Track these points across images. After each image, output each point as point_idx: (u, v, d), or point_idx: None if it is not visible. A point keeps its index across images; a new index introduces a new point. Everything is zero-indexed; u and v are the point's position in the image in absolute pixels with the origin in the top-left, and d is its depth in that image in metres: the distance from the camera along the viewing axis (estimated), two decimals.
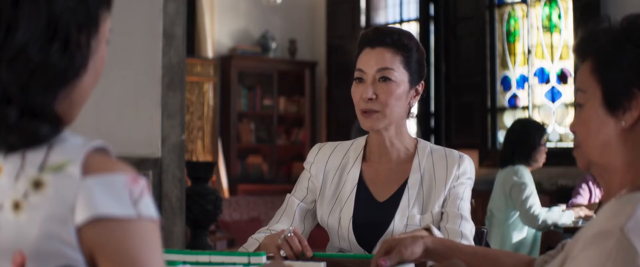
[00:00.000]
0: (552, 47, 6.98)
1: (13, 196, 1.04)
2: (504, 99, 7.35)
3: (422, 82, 2.20)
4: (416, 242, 1.74)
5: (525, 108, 7.16)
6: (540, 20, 7.06)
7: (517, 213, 4.43)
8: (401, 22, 8.23)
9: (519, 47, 7.24)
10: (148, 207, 1.05)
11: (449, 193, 2.17)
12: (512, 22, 7.30)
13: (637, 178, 1.34)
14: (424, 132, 7.68)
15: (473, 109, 7.47)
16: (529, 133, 4.49)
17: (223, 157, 8.26)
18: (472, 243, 2.17)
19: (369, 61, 2.15)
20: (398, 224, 2.13)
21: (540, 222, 4.31)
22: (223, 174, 8.18)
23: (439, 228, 2.13)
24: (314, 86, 8.77)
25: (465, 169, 2.19)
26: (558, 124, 6.94)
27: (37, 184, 1.04)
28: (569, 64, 6.85)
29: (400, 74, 2.14)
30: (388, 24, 8.28)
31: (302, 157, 8.18)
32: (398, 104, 2.15)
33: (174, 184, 3.75)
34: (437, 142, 7.56)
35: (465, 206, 2.18)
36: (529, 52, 7.13)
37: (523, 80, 7.21)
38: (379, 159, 2.23)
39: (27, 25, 1.08)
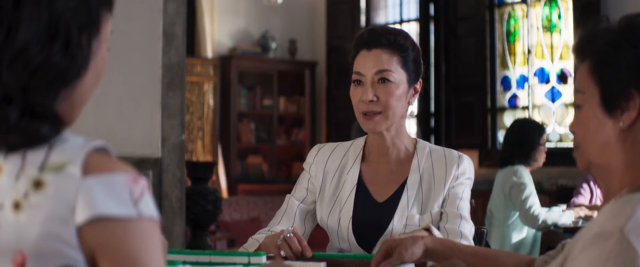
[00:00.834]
0: (552, 47, 6.98)
1: (13, 195, 1.04)
2: (504, 99, 7.35)
3: (420, 80, 2.21)
4: (416, 243, 1.74)
5: (525, 108, 7.16)
6: (540, 20, 7.06)
7: (517, 213, 4.43)
8: (401, 22, 8.23)
9: (519, 47, 7.24)
10: (148, 206, 1.05)
11: (448, 193, 2.17)
12: (512, 22, 7.30)
13: (636, 178, 1.34)
14: (424, 132, 7.68)
15: (473, 109, 7.47)
16: (528, 133, 4.48)
17: (222, 157, 8.26)
18: (472, 243, 2.17)
19: (367, 63, 2.14)
20: (397, 224, 2.13)
21: (540, 222, 4.30)
22: (222, 174, 8.18)
23: (438, 228, 2.13)
24: (314, 86, 8.77)
25: (464, 169, 2.19)
26: (558, 124, 6.94)
27: (38, 184, 1.04)
28: (569, 64, 6.85)
29: (398, 75, 2.14)
30: (388, 24, 8.28)
31: (302, 157, 8.18)
32: (398, 104, 2.15)
33: (174, 184, 3.75)
34: (437, 142, 7.56)
35: (465, 205, 2.18)
36: (529, 52, 7.13)
37: (523, 80, 7.21)
38: (378, 159, 2.23)
39: (28, 26, 1.08)
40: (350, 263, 1.93)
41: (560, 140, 6.93)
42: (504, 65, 7.34)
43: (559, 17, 6.92)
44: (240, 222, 7.56)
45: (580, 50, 1.42)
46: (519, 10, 7.24)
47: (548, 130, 6.95)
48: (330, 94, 8.67)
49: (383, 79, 2.13)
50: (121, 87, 3.62)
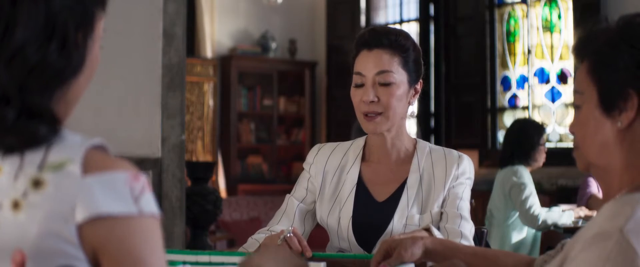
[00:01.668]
0: (552, 47, 6.98)
1: (12, 195, 1.04)
2: (504, 99, 7.35)
3: (420, 80, 2.21)
4: (416, 244, 1.74)
5: (525, 108, 7.16)
6: (540, 20, 7.06)
7: (517, 213, 4.43)
8: (401, 22, 8.23)
9: (519, 47, 7.24)
10: (149, 203, 1.05)
11: (448, 193, 2.17)
12: (512, 22, 7.30)
13: (635, 178, 1.34)
14: (424, 132, 7.68)
15: (473, 109, 7.47)
16: (527, 133, 4.49)
17: (221, 157, 8.26)
18: (472, 243, 2.17)
19: (368, 64, 2.14)
20: (397, 224, 2.13)
21: (540, 222, 4.30)
22: (220, 174, 8.18)
23: (438, 228, 2.13)
24: (314, 86, 8.77)
25: (464, 169, 2.19)
26: (558, 124, 6.94)
27: (37, 183, 1.03)
28: (569, 64, 6.85)
29: (399, 75, 2.14)
30: (388, 24, 8.28)
31: (302, 157, 8.18)
32: (399, 105, 2.15)
33: (174, 184, 3.75)
34: (437, 142, 7.56)
35: (465, 205, 2.18)
36: (529, 52, 7.13)
37: (523, 80, 7.21)
38: (378, 159, 2.23)
39: (25, 24, 1.07)
40: (350, 263, 1.93)
41: (560, 140, 6.93)
42: (504, 65, 7.34)
43: (559, 17, 6.92)
44: (240, 222, 7.56)
45: (579, 51, 1.42)
46: (519, 10, 7.24)
47: (548, 130, 6.95)
48: (330, 94, 8.67)
49: (384, 80, 2.13)
50: (121, 87, 3.62)
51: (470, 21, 7.51)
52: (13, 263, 1.03)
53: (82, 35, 1.11)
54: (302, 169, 2.31)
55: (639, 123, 1.33)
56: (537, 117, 6.98)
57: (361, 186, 2.21)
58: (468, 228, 2.15)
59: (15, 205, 1.03)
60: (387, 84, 2.13)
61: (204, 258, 1.87)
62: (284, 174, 8.67)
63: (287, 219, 2.22)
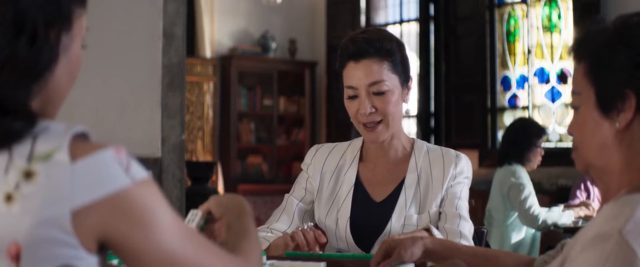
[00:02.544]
0: (552, 47, 6.98)
1: (4, 189, 1.05)
2: (504, 99, 7.35)
3: (410, 77, 2.20)
4: (416, 244, 1.74)
5: (525, 108, 7.16)
6: (540, 20, 7.06)
7: (516, 214, 4.42)
8: (401, 22, 8.23)
9: (519, 47, 7.24)
10: (138, 170, 1.09)
11: (446, 193, 2.17)
12: (512, 22, 7.30)
13: (634, 179, 1.34)
14: (424, 132, 7.68)
15: (473, 109, 7.47)
16: (527, 132, 4.47)
17: (219, 158, 8.26)
18: (472, 243, 2.17)
19: (358, 76, 2.12)
20: (395, 224, 2.13)
21: (540, 222, 4.30)
22: (219, 174, 8.18)
23: (437, 228, 2.13)
24: (314, 86, 8.77)
25: (462, 168, 2.19)
26: (558, 124, 6.94)
27: (28, 174, 1.05)
28: (569, 64, 6.85)
29: (391, 81, 2.13)
30: (388, 24, 8.28)
31: (302, 157, 8.14)
32: (397, 109, 2.15)
33: (174, 184, 3.75)
34: (437, 142, 7.55)
35: (464, 205, 2.18)
36: (529, 52, 7.13)
37: (523, 80, 7.21)
38: (376, 159, 2.23)
39: None
40: (350, 263, 1.93)
41: (560, 140, 6.93)
42: (504, 65, 7.34)
43: (559, 17, 6.92)
44: None
45: (576, 51, 1.42)
46: (519, 10, 7.24)
47: (548, 130, 6.96)
48: (330, 94, 8.67)
49: (377, 90, 2.12)
50: (121, 87, 3.62)
51: (470, 21, 7.50)
52: (8, 255, 1.04)
53: (55, 31, 1.13)
54: (301, 169, 2.31)
55: (637, 123, 1.33)
56: (537, 117, 6.98)
57: (359, 187, 2.20)
58: (467, 228, 2.15)
59: (8, 198, 1.05)
60: (381, 94, 2.12)
61: None
62: (284, 174, 8.67)
63: (286, 217, 2.22)
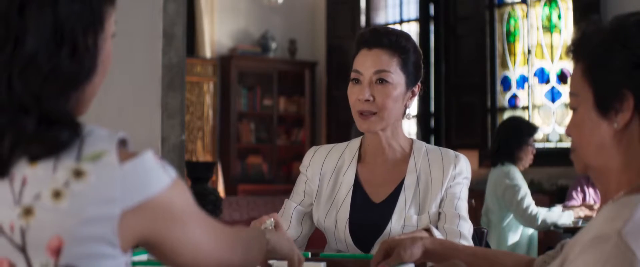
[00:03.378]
0: (552, 47, 6.98)
1: (52, 185, 1.08)
2: (504, 99, 7.35)
3: (419, 83, 2.20)
4: (415, 244, 1.74)
5: (525, 108, 7.16)
6: (540, 20, 7.06)
7: (511, 215, 4.40)
8: (401, 22, 8.23)
9: (519, 47, 7.25)
10: (171, 169, 1.16)
11: (445, 193, 2.17)
12: (512, 22, 7.30)
13: (632, 180, 1.34)
14: (424, 132, 7.68)
15: (473, 109, 7.47)
16: (518, 130, 4.43)
17: (219, 158, 8.26)
18: (471, 243, 2.16)
19: (366, 62, 2.14)
20: (395, 225, 2.13)
21: (539, 222, 4.27)
22: (219, 175, 8.18)
23: (437, 228, 2.13)
24: (314, 86, 8.77)
25: (461, 168, 2.19)
26: (558, 124, 6.94)
27: (78, 173, 1.08)
28: (569, 64, 6.85)
29: (397, 76, 2.13)
30: (388, 24, 8.28)
31: (301, 157, 8.13)
32: (395, 106, 2.14)
33: None
34: (437, 143, 7.56)
35: (463, 205, 2.18)
36: (529, 52, 7.14)
37: (523, 80, 7.22)
38: (374, 160, 2.22)
39: (34, 34, 1.10)
40: (350, 263, 1.93)
41: (560, 140, 6.93)
42: (504, 65, 7.35)
43: (559, 17, 6.93)
44: (240, 223, 7.56)
45: (574, 52, 1.41)
46: (519, 10, 7.24)
47: (548, 130, 6.96)
48: (330, 94, 8.67)
49: (381, 80, 2.12)
50: (121, 87, 3.62)
51: (470, 21, 7.51)
52: (48, 249, 1.07)
53: (92, 37, 1.14)
54: (299, 171, 2.30)
55: (635, 124, 1.33)
56: (537, 117, 6.99)
57: (358, 188, 2.20)
58: (467, 228, 2.15)
59: (57, 194, 1.07)
60: (384, 82, 2.12)
61: None
62: (283, 174, 8.67)
63: (284, 222, 2.22)
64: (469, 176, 2.22)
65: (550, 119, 6.97)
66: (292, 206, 2.23)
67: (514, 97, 7.28)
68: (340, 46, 8.44)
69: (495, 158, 4.45)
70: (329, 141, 8.04)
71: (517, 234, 4.44)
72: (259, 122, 8.67)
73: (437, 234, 2.07)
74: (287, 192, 2.31)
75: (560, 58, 6.94)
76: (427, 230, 2.08)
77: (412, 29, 8.08)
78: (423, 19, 7.85)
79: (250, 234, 1.39)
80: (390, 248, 1.75)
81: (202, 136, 8.14)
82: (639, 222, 1.23)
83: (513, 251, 4.31)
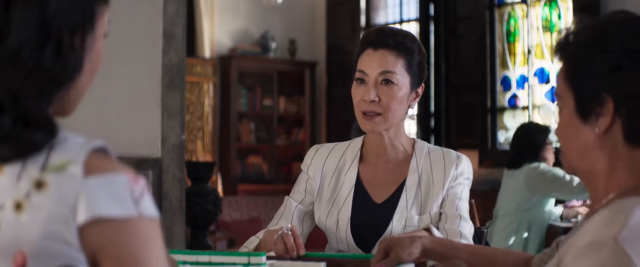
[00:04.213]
0: (552, 47, 6.98)
1: (15, 196, 1.03)
2: (504, 99, 7.35)
3: (422, 84, 2.20)
4: (414, 243, 1.74)
5: (525, 108, 7.16)
6: (540, 20, 7.06)
7: (552, 200, 4.48)
8: (401, 22, 8.23)
9: (519, 47, 7.24)
10: (148, 206, 1.05)
11: (447, 193, 2.17)
12: (512, 22, 7.30)
13: (622, 182, 1.33)
14: (424, 132, 7.68)
15: (473, 109, 7.47)
16: (532, 134, 4.58)
17: (219, 157, 8.25)
18: (472, 243, 2.17)
19: (372, 63, 2.14)
20: (396, 225, 2.13)
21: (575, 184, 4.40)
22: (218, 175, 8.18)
23: (438, 228, 2.13)
24: (314, 86, 8.77)
25: (463, 169, 2.19)
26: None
27: (39, 184, 1.03)
28: None
29: (402, 77, 2.13)
30: (388, 24, 8.28)
31: (301, 158, 8.13)
32: (399, 107, 2.15)
33: (174, 184, 3.75)
34: (437, 143, 7.56)
35: (464, 206, 2.18)
36: (529, 52, 7.13)
37: (523, 80, 7.21)
38: (376, 160, 2.23)
39: (19, 29, 1.06)
40: (350, 263, 1.93)
41: None
42: (504, 65, 7.34)
43: (559, 17, 6.92)
44: (240, 222, 7.56)
45: (557, 53, 1.40)
46: (519, 10, 7.24)
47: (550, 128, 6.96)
48: (330, 94, 8.67)
49: (386, 81, 2.12)
50: (121, 87, 3.62)
51: (470, 21, 7.50)
52: (14, 264, 1.02)
53: (80, 35, 1.10)
54: (301, 170, 2.31)
55: (617, 127, 1.31)
56: (537, 117, 6.99)
57: (359, 187, 2.20)
58: (467, 228, 2.15)
59: (18, 206, 1.03)
60: (389, 84, 2.12)
61: (204, 258, 1.87)
62: (284, 174, 8.67)
63: (285, 221, 2.22)
64: (471, 176, 2.22)
65: (550, 119, 6.97)
66: (293, 205, 2.23)
67: (514, 97, 7.28)
68: (340, 46, 8.44)
69: (518, 161, 4.55)
70: (329, 141, 7.99)
71: (516, 236, 4.46)
72: (259, 122, 8.67)
73: (437, 233, 2.08)
74: (287, 192, 2.31)
75: None
76: (427, 229, 2.08)
77: (412, 29, 8.07)
78: (423, 19, 7.85)
79: None
80: (389, 247, 1.75)
81: (202, 136, 8.14)
82: (635, 227, 1.22)
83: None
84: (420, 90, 2.20)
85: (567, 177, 4.42)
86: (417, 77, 2.17)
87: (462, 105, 7.58)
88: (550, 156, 4.59)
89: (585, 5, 6.47)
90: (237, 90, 8.36)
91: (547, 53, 7.03)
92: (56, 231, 1.02)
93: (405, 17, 8.23)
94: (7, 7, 1.06)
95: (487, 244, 2.49)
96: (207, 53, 8.18)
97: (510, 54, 7.31)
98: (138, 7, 3.67)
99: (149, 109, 3.70)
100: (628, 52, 1.30)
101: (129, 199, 1.03)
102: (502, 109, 7.35)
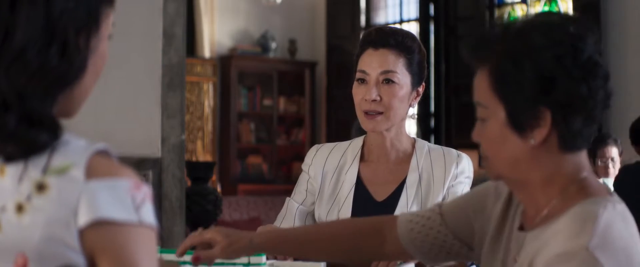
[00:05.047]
0: None
1: (16, 198, 1.03)
2: None
3: (423, 83, 2.21)
4: (241, 240, 1.59)
5: None
6: None
7: None
8: (401, 22, 8.23)
9: None
10: (149, 214, 1.05)
11: (447, 192, 2.17)
12: None
13: (563, 187, 1.28)
14: (424, 132, 7.68)
15: (473, 109, 7.41)
16: None
17: (219, 157, 8.25)
18: None
19: (372, 63, 2.14)
20: None
21: None
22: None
23: None
24: (314, 86, 8.77)
25: (463, 168, 2.19)
26: None
27: (41, 187, 1.03)
28: None
29: (403, 77, 2.14)
30: (388, 24, 8.27)
31: (302, 157, 8.13)
32: (401, 106, 2.15)
33: (174, 184, 3.75)
34: (437, 142, 7.55)
35: None
36: None
37: None
38: (377, 159, 2.23)
39: (25, 28, 1.06)
40: (350, 263, 1.93)
41: None
42: None
43: None
44: (240, 222, 7.56)
45: (478, 58, 1.33)
46: (519, 10, 7.24)
47: None
48: (330, 94, 8.66)
49: (387, 80, 2.13)
50: (121, 87, 3.62)
51: (470, 21, 7.50)
52: (15, 266, 1.03)
53: (84, 37, 1.10)
54: (301, 170, 2.31)
55: (553, 136, 1.26)
56: None
57: (360, 186, 2.20)
58: None
59: (19, 208, 1.03)
60: (390, 83, 2.13)
61: None
62: (284, 174, 8.67)
63: (286, 223, 2.22)
64: (471, 175, 2.22)
65: None
66: (294, 206, 2.23)
67: None
68: (340, 46, 8.44)
69: None
70: (329, 141, 7.98)
71: None
72: (259, 122, 8.67)
73: None
74: (287, 192, 2.31)
75: None
76: None
77: (412, 29, 8.07)
78: (423, 19, 7.85)
79: None
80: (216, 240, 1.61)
81: (202, 136, 8.14)
82: (603, 233, 1.20)
83: None
84: (421, 89, 2.20)
85: None
86: (418, 76, 2.18)
87: (462, 106, 7.58)
88: None
89: (585, 5, 6.47)
90: (237, 90, 8.36)
91: None
92: (57, 233, 1.02)
93: (405, 17, 8.23)
94: (13, 6, 1.06)
95: None
96: (207, 53, 8.18)
97: None
98: (138, 7, 3.67)
99: (148, 109, 3.70)
100: (559, 61, 1.23)
101: (130, 204, 1.03)
102: None
